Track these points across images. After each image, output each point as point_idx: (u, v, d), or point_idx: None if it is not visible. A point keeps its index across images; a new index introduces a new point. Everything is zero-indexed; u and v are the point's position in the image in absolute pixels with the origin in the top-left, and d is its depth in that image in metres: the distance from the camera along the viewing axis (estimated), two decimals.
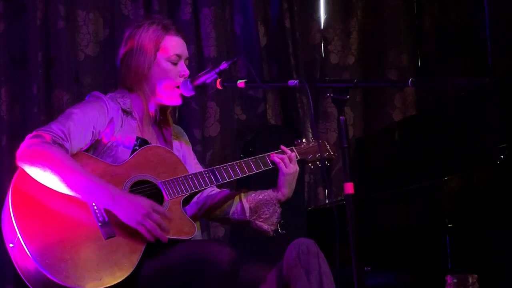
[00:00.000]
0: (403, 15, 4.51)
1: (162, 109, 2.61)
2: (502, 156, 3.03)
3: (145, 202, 2.30)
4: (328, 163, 2.89)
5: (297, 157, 2.66)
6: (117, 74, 2.68)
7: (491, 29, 3.80)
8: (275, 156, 2.61)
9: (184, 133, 2.78)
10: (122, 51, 2.59)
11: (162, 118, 2.62)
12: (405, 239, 3.14)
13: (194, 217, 2.57)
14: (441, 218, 2.89)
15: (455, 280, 1.99)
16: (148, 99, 2.56)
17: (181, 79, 2.55)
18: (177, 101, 2.58)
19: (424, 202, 3.01)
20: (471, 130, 3.34)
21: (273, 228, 2.65)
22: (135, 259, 2.25)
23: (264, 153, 2.63)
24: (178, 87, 2.55)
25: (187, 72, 2.58)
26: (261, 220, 2.64)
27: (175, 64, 2.56)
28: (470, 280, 1.98)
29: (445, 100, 4.05)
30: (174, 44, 2.56)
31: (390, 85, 4.44)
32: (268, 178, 2.70)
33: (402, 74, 4.41)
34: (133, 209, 2.27)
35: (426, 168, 3.38)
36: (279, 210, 2.65)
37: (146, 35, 2.55)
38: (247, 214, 2.64)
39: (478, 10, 3.96)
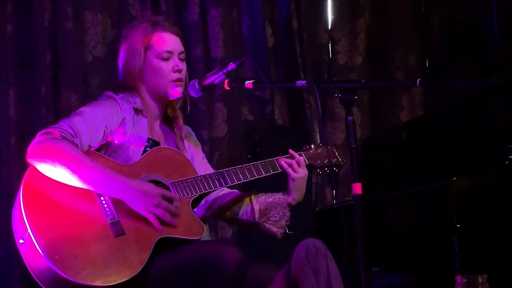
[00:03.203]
0: (411, 16, 4.50)
1: (168, 104, 2.61)
2: (510, 157, 3.02)
3: (155, 190, 2.32)
4: (336, 169, 2.88)
5: (305, 162, 2.65)
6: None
7: (499, 29, 3.80)
8: (283, 162, 2.61)
9: (193, 133, 2.77)
10: (119, 52, 2.59)
11: (170, 113, 2.62)
12: (413, 240, 3.13)
13: (203, 218, 2.57)
14: (449, 218, 2.89)
15: (464, 280, 1.98)
16: (149, 98, 2.56)
17: (176, 74, 2.53)
18: (177, 93, 2.56)
19: (432, 202, 3.00)
20: (479, 130, 3.33)
21: (281, 231, 2.65)
22: (144, 257, 2.26)
23: (272, 156, 2.63)
24: (175, 80, 2.53)
25: (180, 66, 2.54)
26: (270, 222, 2.64)
27: (166, 60, 2.54)
28: (480, 280, 1.97)
29: (452, 101, 4.04)
30: (163, 40, 2.54)
31: (398, 85, 4.44)
32: (276, 181, 2.70)
33: (410, 75, 4.40)
34: (143, 197, 2.29)
35: (434, 169, 3.38)
36: (288, 214, 2.65)
37: (136, 35, 2.54)
38: (257, 216, 2.64)
39: (486, 10, 3.96)
